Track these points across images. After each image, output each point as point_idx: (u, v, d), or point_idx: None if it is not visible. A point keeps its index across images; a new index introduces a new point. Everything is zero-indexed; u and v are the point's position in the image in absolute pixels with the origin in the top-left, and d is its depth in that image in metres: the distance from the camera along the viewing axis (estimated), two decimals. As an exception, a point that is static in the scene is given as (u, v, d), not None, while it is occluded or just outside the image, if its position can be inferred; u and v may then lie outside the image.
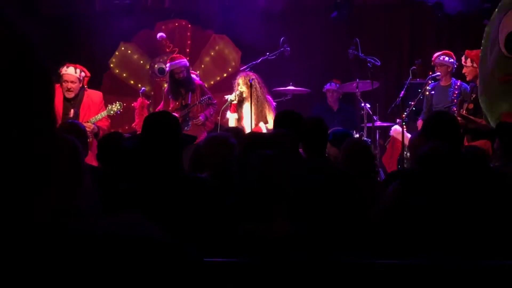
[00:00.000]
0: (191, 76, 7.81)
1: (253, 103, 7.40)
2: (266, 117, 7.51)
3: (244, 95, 7.50)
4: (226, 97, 7.58)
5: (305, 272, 2.86)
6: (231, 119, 7.61)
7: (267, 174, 3.13)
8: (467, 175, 3.54)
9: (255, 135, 4.38)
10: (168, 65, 7.83)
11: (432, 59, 7.90)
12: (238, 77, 7.64)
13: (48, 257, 0.83)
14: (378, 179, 7.53)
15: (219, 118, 7.59)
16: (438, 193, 3.25)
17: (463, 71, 7.53)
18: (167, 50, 7.97)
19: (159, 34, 8.18)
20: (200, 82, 8.02)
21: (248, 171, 3.25)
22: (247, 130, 7.17)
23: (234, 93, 7.51)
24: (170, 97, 7.79)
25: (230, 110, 7.60)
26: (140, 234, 0.89)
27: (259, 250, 2.97)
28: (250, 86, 7.37)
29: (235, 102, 7.51)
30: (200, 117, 7.68)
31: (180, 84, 7.73)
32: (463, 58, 7.52)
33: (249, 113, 7.33)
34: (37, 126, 0.87)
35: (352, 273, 2.85)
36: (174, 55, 7.94)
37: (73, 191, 2.22)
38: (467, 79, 7.57)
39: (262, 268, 2.87)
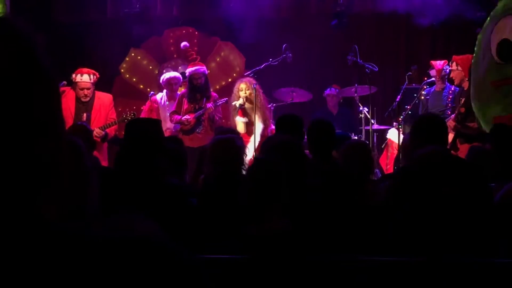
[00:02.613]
0: (208, 84, 8.02)
1: (258, 108, 7.63)
2: (269, 121, 7.76)
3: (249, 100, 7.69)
4: (234, 102, 7.77)
5: (299, 270, 2.89)
6: (240, 123, 7.79)
7: (258, 177, 3.22)
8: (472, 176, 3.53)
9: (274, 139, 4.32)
10: (188, 70, 8.03)
11: (438, 68, 7.96)
12: (239, 82, 7.82)
13: (45, 260, 0.80)
14: (375, 179, 7.85)
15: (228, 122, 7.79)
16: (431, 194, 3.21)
17: (451, 75, 7.66)
18: (190, 58, 8.31)
19: (182, 44, 8.46)
20: (215, 94, 8.20)
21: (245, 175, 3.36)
22: (257, 135, 7.44)
23: (241, 98, 7.71)
24: (184, 99, 7.96)
25: (239, 115, 7.76)
26: (138, 235, 0.86)
27: (254, 248, 2.99)
28: (254, 91, 7.61)
29: (244, 106, 7.70)
30: (216, 117, 7.88)
31: (198, 89, 7.91)
32: (450, 63, 7.67)
33: (259, 118, 7.53)
34: (38, 127, 0.84)
35: (346, 270, 2.88)
36: (194, 62, 8.12)
37: (77, 190, 2.32)
38: (455, 83, 7.69)
39: (257, 266, 2.90)
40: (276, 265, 2.92)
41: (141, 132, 3.66)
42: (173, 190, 3.52)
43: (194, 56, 8.26)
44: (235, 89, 7.89)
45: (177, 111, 7.99)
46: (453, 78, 7.71)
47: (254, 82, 7.78)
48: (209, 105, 7.85)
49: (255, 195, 3.18)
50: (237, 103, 7.74)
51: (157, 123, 3.99)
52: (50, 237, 0.83)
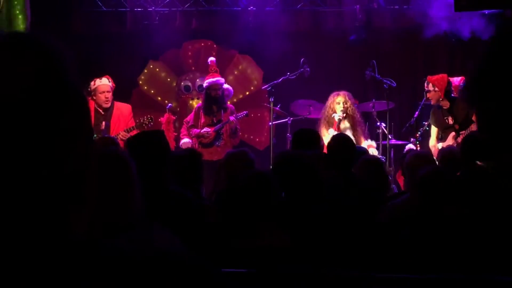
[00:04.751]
0: (224, 96, 8.02)
1: (355, 124, 7.66)
2: (365, 134, 7.75)
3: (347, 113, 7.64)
4: (334, 115, 7.64)
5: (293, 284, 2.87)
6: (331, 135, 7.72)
7: (253, 192, 3.20)
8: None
9: (286, 154, 4.33)
10: (207, 81, 8.04)
11: (455, 84, 7.93)
12: (335, 95, 7.73)
13: (77, 274, 0.81)
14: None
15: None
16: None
17: (428, 96, 7.65)
18: (211, 71, 8.29)
19: (210, 59, 8.45)
20: (231, 105, 8.22)
21: (238, 189, 3.31)
22: None
23: (339, 112, 7.60)
24: (201, 112, 7.96)
25: (333, 127, 7.59)
26: (167, 250, 0.87)
27: (249, 262, 2.96)
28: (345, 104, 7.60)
29: (341, 119, 7.58)
30: (238, 127, 7.89)
31: (214, 101, 7.91)
32: (425, 83, 7.67)
33: (349, 133, 7.38)
34: (67, 141, 0.85)
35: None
36: (212, 73, 8.11)
37: (120, 204, 2.17)
38: (432, 103, 7.70)
39: (254, 279, 2.88)
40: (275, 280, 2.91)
41: (145, 144, 3.55)
42: (178, 197, 3.48)
43: (215, 68, 8.26)
44: (329, 102, 7.76)
45: (194, 125, 7.98)
46: (430, 98, 7.72)
47: (352, 96, 7.74)
48: (231, 118, 7.83)
49: (246, 208, 3.18)
50: (336, 115, 7.62)
51: (159, 133, 3.92)
52: (74, 251, 0.83)
